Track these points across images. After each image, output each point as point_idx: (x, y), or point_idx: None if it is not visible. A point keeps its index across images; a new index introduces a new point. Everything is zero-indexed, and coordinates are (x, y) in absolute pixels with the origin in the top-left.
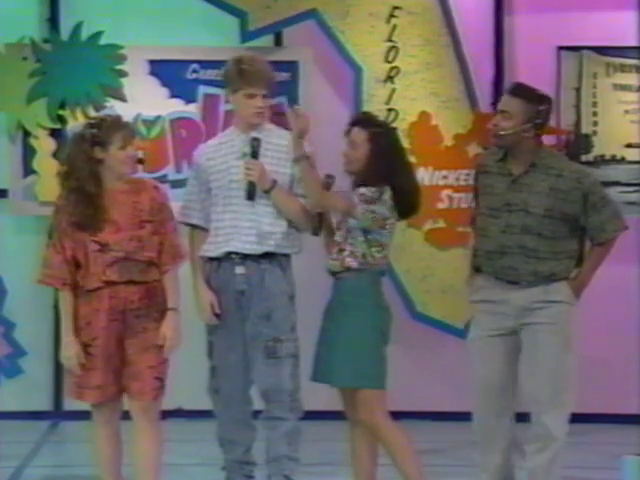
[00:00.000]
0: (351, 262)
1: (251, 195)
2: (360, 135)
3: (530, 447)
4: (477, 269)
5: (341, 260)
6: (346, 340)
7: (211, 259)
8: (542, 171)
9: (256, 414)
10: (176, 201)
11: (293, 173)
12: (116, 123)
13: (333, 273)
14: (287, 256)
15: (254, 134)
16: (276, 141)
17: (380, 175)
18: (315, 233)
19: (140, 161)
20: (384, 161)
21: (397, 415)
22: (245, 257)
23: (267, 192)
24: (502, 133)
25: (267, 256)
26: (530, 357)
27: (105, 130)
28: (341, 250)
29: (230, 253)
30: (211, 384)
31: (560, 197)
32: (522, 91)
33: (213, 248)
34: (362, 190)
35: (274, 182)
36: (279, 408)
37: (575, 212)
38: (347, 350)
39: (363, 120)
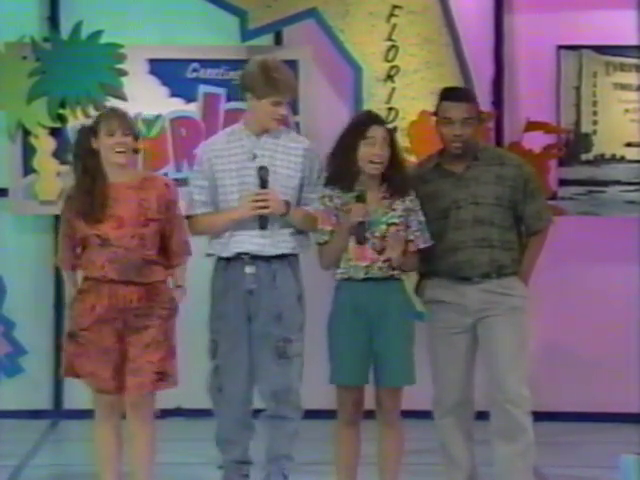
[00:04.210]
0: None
1: (264, 225)
2: (386, 134)
3: (498, 440)
4: (427, 274)
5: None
6: (403, 342)
7: (220, 258)
8: (485, 163)
9: (255, 413)
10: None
11: (303, 176)
12: (106, 112)
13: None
14: (296, 255)
15: (261, 157)
16: (286, 143)
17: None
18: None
19: (135, 150)
20: (404, 162)
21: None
22: (255, 257)
23: (283, 216)
24: (467, 139)
25: (278, 256)
26: (490, 349)
27: (96, 119)
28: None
29: (240, 253)
30: (213, 383)
31: (507, 185)
32: (468, 94)
33: (224, 248)
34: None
35: (288, 205)
36: (287, 408)
37: (518, 199)
38: (405, 350)
39: (379, 118)
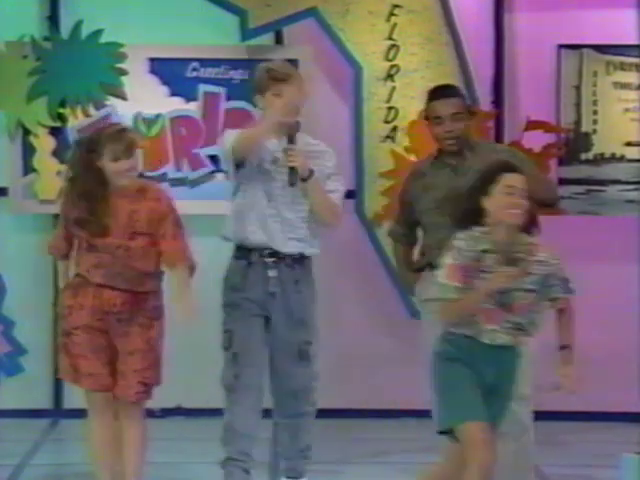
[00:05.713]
0: None
1: (293, 181)
2: (524, 183)
3: (499, 438)
4: (423, 268)
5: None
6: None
7: (238, 254)
8: (479, 152)
9: (266, 412)
10: (177, 199)
11: (322, 175)
12: (110, 136)
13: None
14: (310, 258)
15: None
16: (305, 147)
17: None
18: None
19: (141, 175)
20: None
21: (397, 413)
22: (278, 259)
23: (305, 180)
24: (459, 135)
25: (299, 259)
26: None
27: (98, 141)
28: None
29: (263, 255)
30: (229, 371)
31: None
32: (453, 90)
33: (250, 236)
34: None
35: (312, 171)
36: (306, 404)
37: None
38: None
39: (514, 166)
